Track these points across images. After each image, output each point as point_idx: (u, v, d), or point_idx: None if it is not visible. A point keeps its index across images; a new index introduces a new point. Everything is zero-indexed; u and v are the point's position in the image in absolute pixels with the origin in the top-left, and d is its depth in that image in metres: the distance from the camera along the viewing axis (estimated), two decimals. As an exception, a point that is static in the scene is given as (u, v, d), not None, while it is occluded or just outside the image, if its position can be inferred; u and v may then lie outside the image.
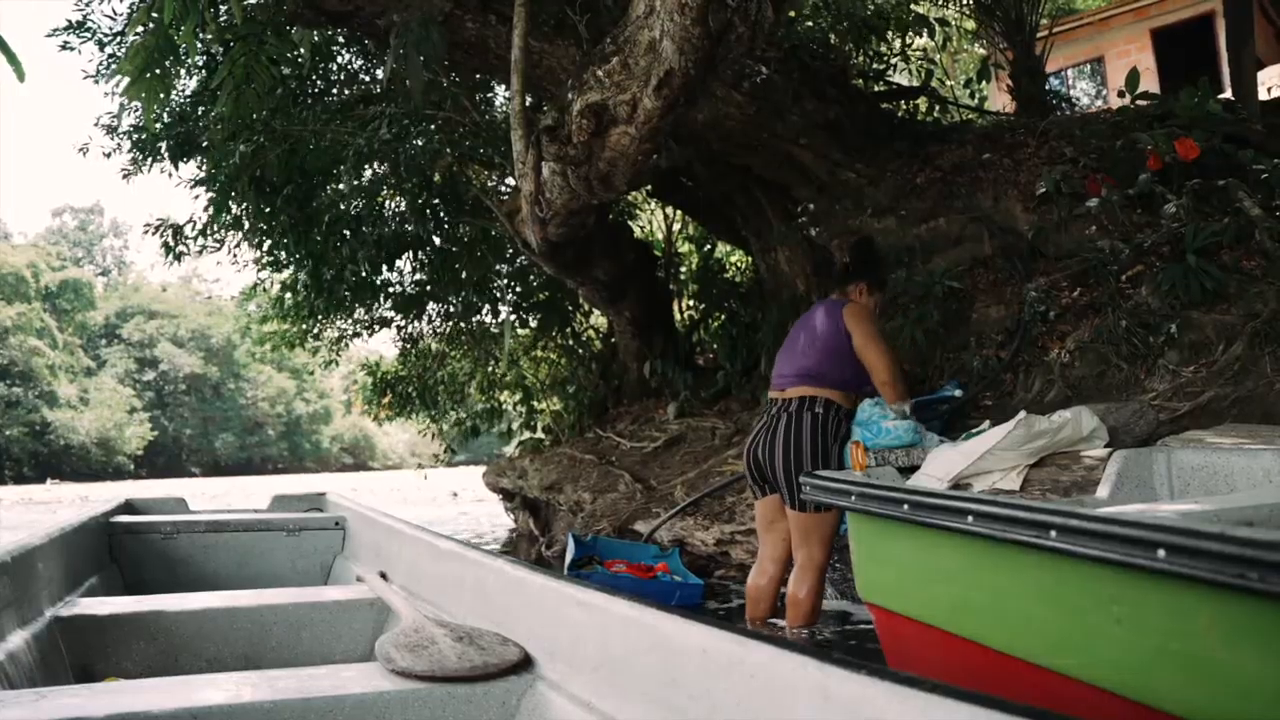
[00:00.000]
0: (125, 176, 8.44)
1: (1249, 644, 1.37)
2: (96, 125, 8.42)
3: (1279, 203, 5.18)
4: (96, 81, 7.82)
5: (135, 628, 2.47)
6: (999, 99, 12.31)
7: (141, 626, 2.47)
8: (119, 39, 7.55)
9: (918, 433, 3.82)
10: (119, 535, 3.69)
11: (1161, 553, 1.41)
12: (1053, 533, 1.65)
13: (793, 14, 7.66)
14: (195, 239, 9.00)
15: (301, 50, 7.07)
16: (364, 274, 8.92)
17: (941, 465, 3.51)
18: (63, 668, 2.30)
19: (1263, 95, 8.19)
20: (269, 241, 8.98)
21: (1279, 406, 3.96)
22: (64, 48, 7.49)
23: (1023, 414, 3.57)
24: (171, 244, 8.89)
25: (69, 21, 7.45)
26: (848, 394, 3.87)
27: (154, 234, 8.94)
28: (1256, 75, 8.15)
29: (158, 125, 7.71)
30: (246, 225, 8.84)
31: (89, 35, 7.54)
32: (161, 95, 5.47)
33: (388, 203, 9.32)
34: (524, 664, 1.78)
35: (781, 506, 3.83)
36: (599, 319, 10.91)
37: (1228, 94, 8.14)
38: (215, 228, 8.90)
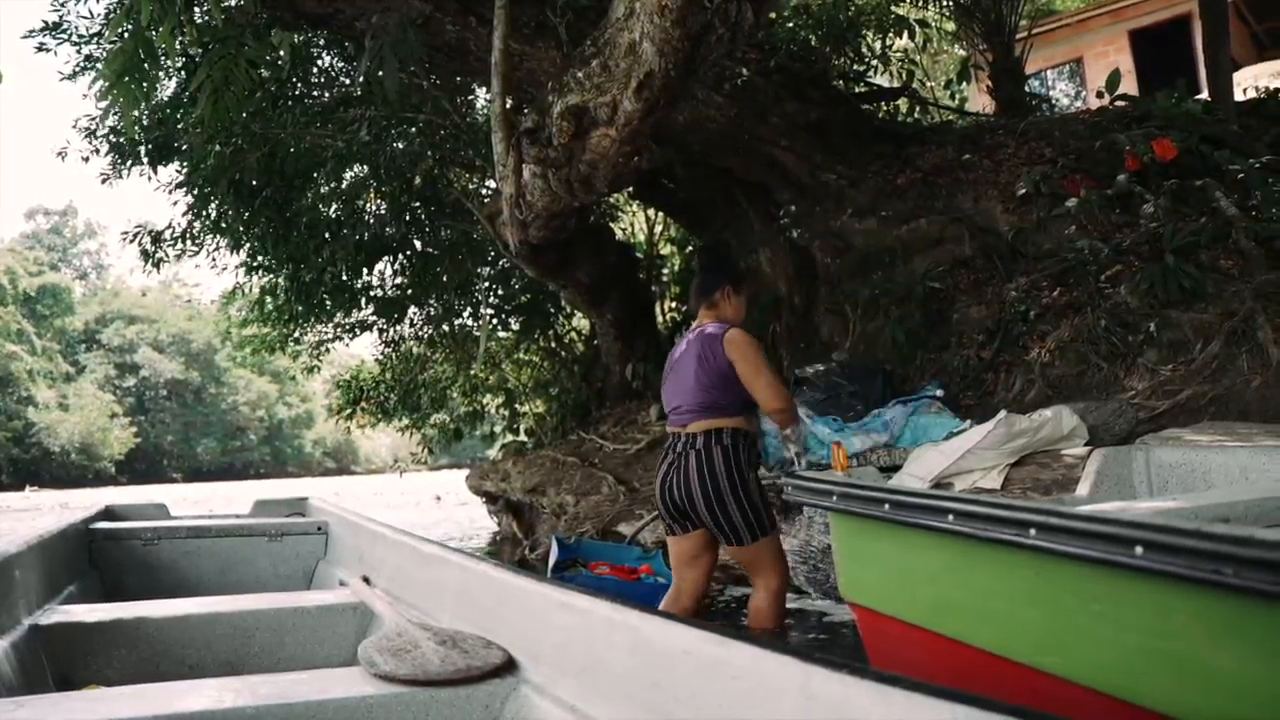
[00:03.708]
0: (104, 180, 8.38)
1: (1227, 639, 1.38)
2: (74, 128, 8.36)
3: (1255, 203, 5.23)
4: (74, 81, 7.76)
5: (116, 635, 2.45)
6: (979, 100, 12.37)
7: (122, 633, 2.46)
8: (96, 40, 7.49)
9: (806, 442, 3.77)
10: (99, 542, 3.66)
11: (1139, 550, 1.42)
12: (1033, 531, 1.66)
13: (773, 16, 7.68)
14: (174, 244, 8.95)
15: (281, 53, 7.05)
16: (344, 277, 8.89)
17: (923, 465, 3.52)
18: (42, 676, 2.28)
19: (1238, 96, 8.26)
20: (248, 245, 8.94)
21: (1256, 404, 3.99)
22: (40, 49, 7.43)
23: (1003, 413, 3.59)
24: (150, 250, 8.84)
25: (45, 23, 7.39)
26: (748, 416, 3.78)
27: (132, 241, 8.89)
28: (1232, 76, 8.21)
29: (136, 128, 7.66)
30: (225, 228, 8.79)
31: (65, 37, 7.48)
32: (140, 99, 5.44)
33: (368, 206, 9.29)
34: (508, 667, 1.77)
35: (704, 543, 3.77)
36: (581, 321, 10.90)
37: (1204, 95, 8.20)
38: (195, 231, 8.85)
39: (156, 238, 8.92)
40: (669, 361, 3.96)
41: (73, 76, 7.71)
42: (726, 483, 3.54)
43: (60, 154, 8.62)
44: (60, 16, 7.46)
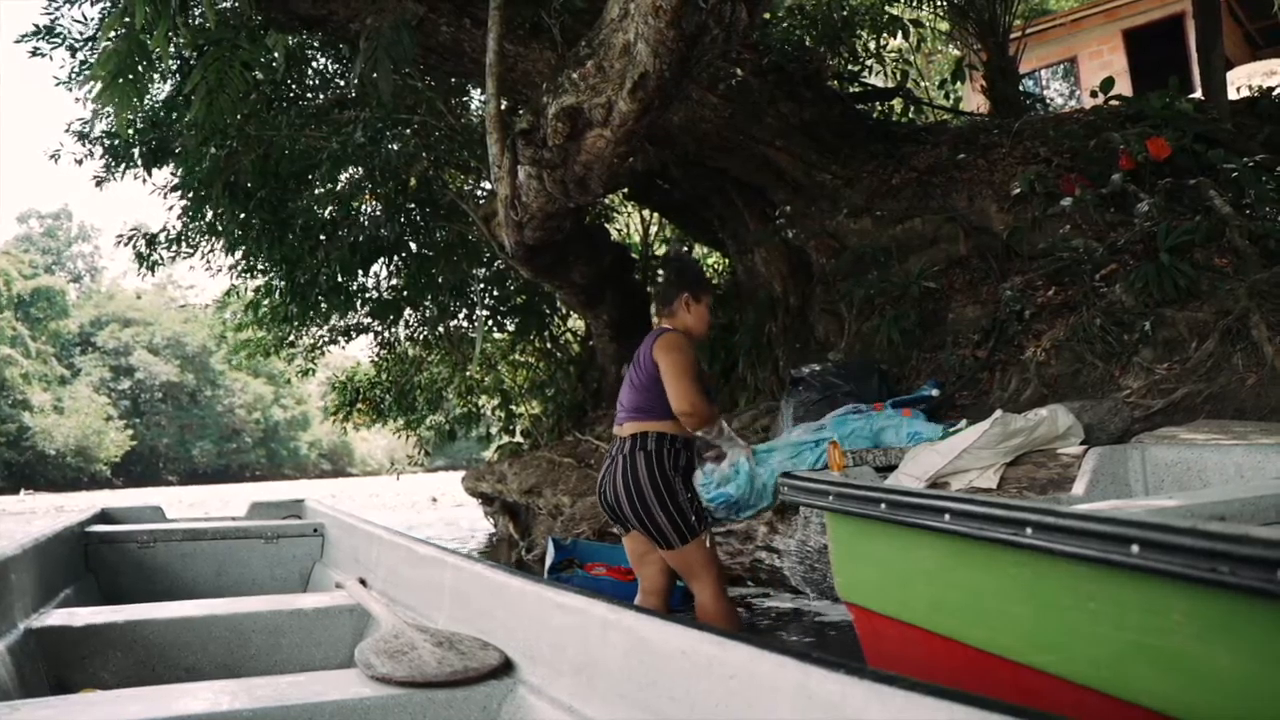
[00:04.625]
0: (98, 183, 8.36)
1: (1222, 637, 1.38)
2: (68, 131, 8.33)
3: (1249, 201, 5.24)
4: (69, 88, 7.72)
5: (112, 638, 2.45)
6: (973, 100, 12.39)
7: (118, 637, 2.45)
8: (90, 44, 7.46)
9: (739, 474, 3.70)
10: (95, 545, 3.65)
11: (1135, 548, 1.42)
12: (1029, 530, 1.66)
13: (767, 16, 7.68)
14: (169, 246, 8.94)
15: (275, 55, 7.04)
16: (339, 279, 8.88)
17: (919, 464, 3.53)
18: (39, 680, 2.28)
19: (1232, 95, 8.28)
20: (243, 247, 8.93)
21: (1251, 402, 4.00)
22: (34, 54, 7.39)
23: (999, 413, 3.59)
24: (145, 253, 8.83)
25: (36, 27, 7.35)
26: (677, 421, 3.76)
27: (127, 244, 8.88)
28: (1226, 75, 8.23)
29: (130, 131, 7.64)
30: (220, 231, 8.78)
31: (59, 41, 7.44)
32: (134, 101, 5.42)
33: (363, 208, 9.28)
34: (504, 668, 1.78)
35: (647, 542, 3.78)
36: (576, 322, 10.90)
37: (1198, 94, 8.22)
38: (189, 234, 8.84)
39: (151, 241, 8.91)
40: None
41: (69, 83, 7.69)
42: (650, 487, 3.53)
43: (53, 157, 8.60)
44: (53, 20, 7.43)
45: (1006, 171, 6.43)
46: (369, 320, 10.53)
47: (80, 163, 8.42)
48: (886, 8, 8.92)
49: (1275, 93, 7.61)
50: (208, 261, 9.40)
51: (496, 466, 9.32)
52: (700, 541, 3.58)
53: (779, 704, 1.16)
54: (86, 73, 7.40)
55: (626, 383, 3.79)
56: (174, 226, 8.88)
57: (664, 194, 8.94)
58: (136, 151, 8.03)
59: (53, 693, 2.28)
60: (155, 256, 8.92)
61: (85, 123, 8.26)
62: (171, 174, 8.44)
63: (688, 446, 3.69)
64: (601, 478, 3.79)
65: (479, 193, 9.14)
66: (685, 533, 3.51)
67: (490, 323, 10.68)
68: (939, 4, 9.60)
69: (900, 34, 8.84)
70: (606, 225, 10.49)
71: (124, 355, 60.57)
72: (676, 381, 3.57)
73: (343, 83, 8.67)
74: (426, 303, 10.14)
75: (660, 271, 4.29)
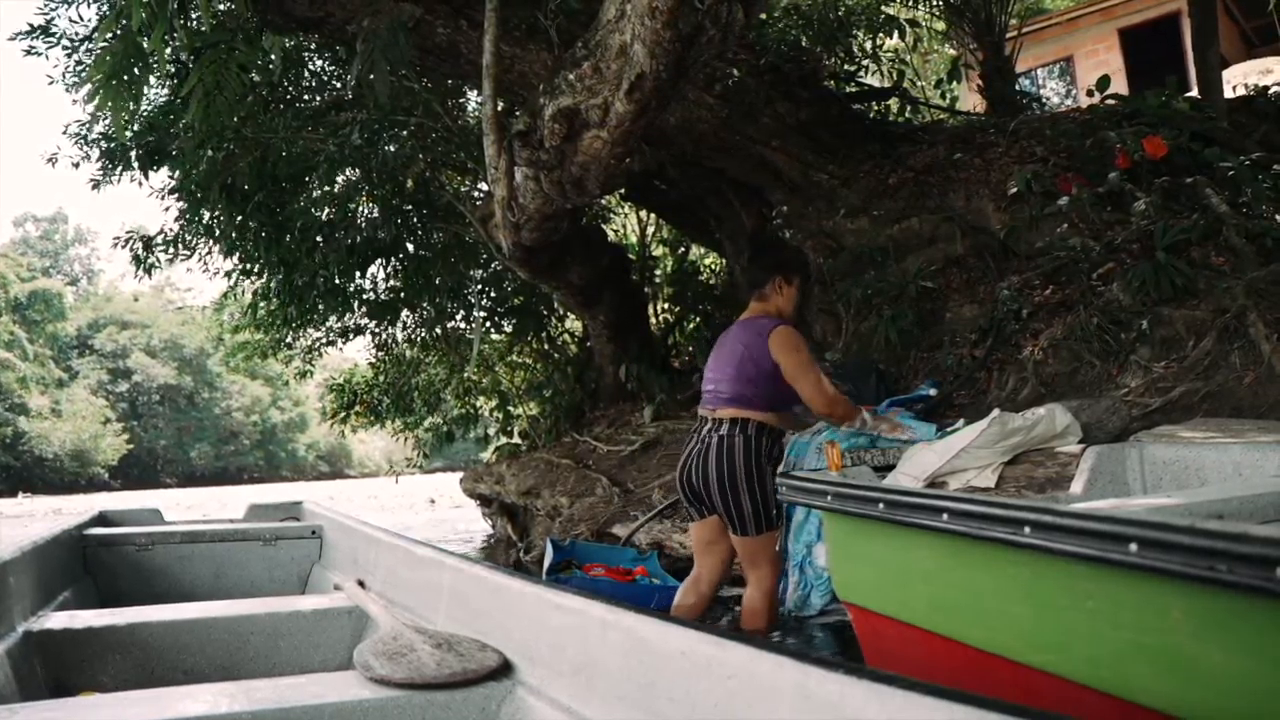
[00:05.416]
0: (95, 186, 8.34)
1: (1222, 635, 1.38)
2: (65, 134, 8.31)
3: (1245, 199, 5.25)
4: (67, 89, 7.71)
5: (111, 641, 2.45)
6: (970, 99, 12.41)
7: (117, 639, 2.45)
8: (86, 44, 7.44)
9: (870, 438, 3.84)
10: (93, 548, 3.65)
11: (1134, 547, 1.42)
12: (1027, 529, 1.66)
13: (763, 16, 7.68)
14: (166, 249, 8.93)
15: (272, 57, 7.03)
16: (337, 281, 8.87)
17: (917, 464, 3.53)
18: (37, 683, 2.28)
19: (1228, 93, 8.29)
20: (241, 250, 8.92)
21: (1249, 400, 4.00)
22: (29, 53, 7.37)
23: (997, 412, 3.59)
24: (142, 256, 8.82)
25: (30, 26, 7.32)
26: (779, 414, 3.82)
27: (124, 247, 8.86)
28: (1221, 74, 8.25)
29: (128, 132, 7.63)
30: (218, 233, 8.77)
31: (54, 40, 7.42)
32: (130, 103, 5.42)
33: (360, 209, 9.28)
34: (503, 670, 1.78)
35: (720, 529, 3.81)
36: (574, 323, 10.89)
37: (1194, 92, 8.23)
38: (186, 237, 8.83)
39: (148, 243, 8.90)
40: (717, 342, 4.01)
41: (64, 83, 7.67)
42: (743, 471, 3.62)
43: (51, 160, 8.57)
44: (48, 20, 7.40)
45: (1003, 171, 6.43)
46: (366, 322, 10.53)
47: (78, 165, 8.40)
48: (882, 8, 8.92)
49: (1271, 91, 7.63)
50: (205, 264, 9.39)
51: (494, 468, 9.32)
52: (774, 535, 3.67)
53: (778, 704, 1.16)
54: (82, 74, 7.39)
55: (722, 366, 3.85)
56: (171, 229, 8.87)
57: (661, 194, 8.94)
58: (133, 154, 8.02)
59: (51, 696, 2.27)
60: (153, 259, 8.90)
61: (83, 125, 8.24)
62: (169, 177, 8.43)
63: (779, 440, 3.79)
64: (686, 460, 3.84)
65: (476, 194, 9.14)
66: (764, 523, 3.63)
67: (488, 324, 10.68)
68: (935, 3, 9.61)
69: (896, 34, 8.83)
70: (604, 226, 10.49)
71: (122, 358, 60.49)
72: (813, 387, 3.71)
73: (339, 85, 8.67)
74: (424, 304, 10.14)
75: (751, 256, 4.31)
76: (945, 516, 1.89)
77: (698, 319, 9.87)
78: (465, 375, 11.06)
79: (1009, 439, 3.48)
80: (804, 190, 7.14)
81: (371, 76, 5.65)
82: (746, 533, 3.65)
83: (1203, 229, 4.98)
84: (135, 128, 7.78)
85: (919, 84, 10.97)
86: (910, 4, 9.56)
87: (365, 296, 9.91)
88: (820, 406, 3.71)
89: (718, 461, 3.67)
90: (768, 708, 1.18)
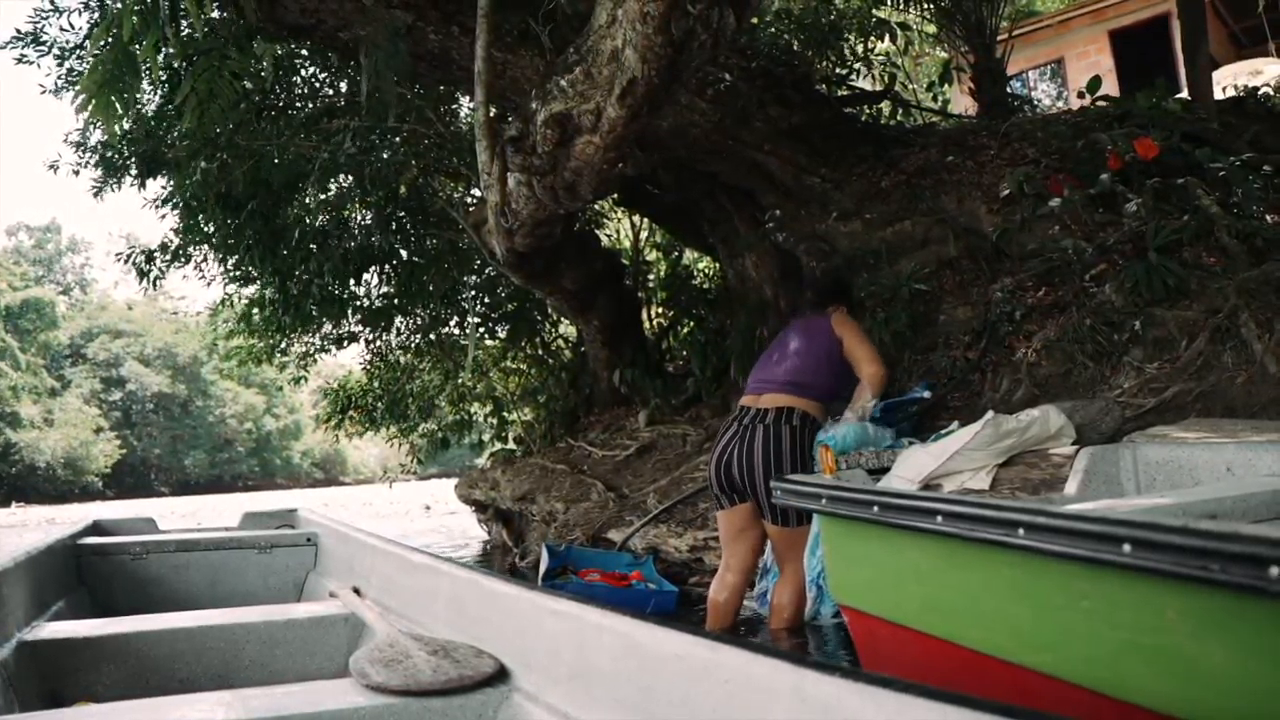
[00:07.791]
0: (95, 193, 8.34)
1: (1215, 635, 1.39)
2: (66, 141, 8.31)
3: (1236, 200, 5.26)
4: (58, 97, 7.69)
5: (105, 650, 2.44)
6: (961, 102, 12.42)
7: (112, 649, 2.44)
8: (77, 52, 7.42)
9: (866, 432, 3.86)
10: (87, 557, 3.64)
11: (1127, 547, 1.43)
12: (1021, 531, 1.66)
13: (755, 21, 7.70)
14: (169, 263, 8.94)
15: (264, 64, 7.02)
16: (331, 288, 8.86)
17: (911, 466, 3.53)
18: (32, 693, 2.27)
19: (1218, 94, 8.32)
20: (235, 257, 8.91)
21: (1241, 400, 4.01)
22: (20, 61, 7.35)
23: (990, 414, 3.60)
24: (145, 270, 8.83)
25: (17, 32, 7.29)
26: (823, 406, 3.90)
27: (125, 261, 8.88)
28: (1211, 75, 8.27)
29: (123, 142, 7.62)
30: (215, 243, 8.77)
31: (45, 49, 7.40)
32: (120, 113, 5.41)
33: (353, 216, 9.27)
34: (499, 676, 1.78)
35: (752, 517, 3.83)
36: (568, 328, 10.89)
37: (1184, 94, 8.26)
38: (184, 246, 8.83)
39: (150, 257, 8.91)
40: (771, 344, 4.15)
41: (56, 91, 7.65)
42: (790, 460, 3.67)
43: (52, 167, 8.55)
44: (38, 28, 7.35)
45: (995, 173, 6.45)
46: (360, 328, 10.51)
47: (78, 173, 8.38)
48: (874, 11, 8.94)
49: (1261, 92, 7.65)
50: (201, 271, 9.39)
51: (489, 473, 9.31)
52: (808, 527, 3.69)
53: (775, 707, 1.17)
54: (74, 83, 7.37)
55: (780, 356, 3.94)
56: (171, 240, 8.88)
57: (654, 199, 8.94)
58: (131, 163, 8.01)
59: (46, 706, 2.27)
60: (156, 271, 8.93)
61: (82, 133, 8.23)
62: (164, 186, 8.43)
63: (819, 431, 3.85)
64: (725, 446, 3.88)
65: (469, 200, 9.13)
66: (805, 514, 3.63)
67: (481, 330, 10.67)
68: (926, 7, 9.63)
69: (888, 37, 8.85)
70: (597, 231, 10.49)
71: (115, 366, 60.39)
72: (872, 351, 4.02)
73: (331, 92, 8.67)
74: (418, 310, 10.13)
75: (820, 280, 4.76)
76: (940, 519, 1.90)
77: (692, 324, 9.87)
78: (460, 381, 11.05)
79: (1003, 441, 3.48)
80: (797, 194, 7.15)
81: (378, 90, 5.67)
82: (788, 524, 3.69)
83: (1194, 229, 5.00)
84: (131, 136, 7.76)
85: (911, 87, 10.99)
86: (901, 7, 9.58)
87: (359, 303, 9.90)
88: (879, 368, 3.92)
89: (764, 450, 3.71)
90: (764, 710, 1.18)
